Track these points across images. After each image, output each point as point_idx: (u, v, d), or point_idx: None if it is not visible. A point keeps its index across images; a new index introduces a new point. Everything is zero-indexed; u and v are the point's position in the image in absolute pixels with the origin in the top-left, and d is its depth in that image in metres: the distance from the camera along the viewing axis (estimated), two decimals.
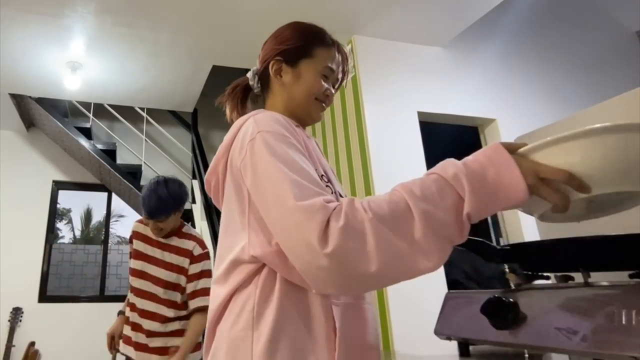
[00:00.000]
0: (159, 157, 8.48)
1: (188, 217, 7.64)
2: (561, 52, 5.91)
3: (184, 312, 3.21)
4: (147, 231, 3.29)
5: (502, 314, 1.25)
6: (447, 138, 4.83)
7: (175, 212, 3.18)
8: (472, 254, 1.41)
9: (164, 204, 3.09)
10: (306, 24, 1.63)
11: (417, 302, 3.79)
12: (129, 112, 8.37)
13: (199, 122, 8.28)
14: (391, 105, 4.72)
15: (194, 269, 3.20)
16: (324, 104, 1.58)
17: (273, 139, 1.26)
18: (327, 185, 1.31)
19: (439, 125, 4.97)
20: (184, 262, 3.20)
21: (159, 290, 3.17)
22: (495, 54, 5.53)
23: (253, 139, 1.27)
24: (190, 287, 3.18)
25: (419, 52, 5.17)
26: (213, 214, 6.58)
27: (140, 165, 8.03)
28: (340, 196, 1.41)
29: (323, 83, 1.56)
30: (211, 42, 5.32)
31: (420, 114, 4.79)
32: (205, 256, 3.27)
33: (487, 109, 5.11)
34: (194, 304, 3.15)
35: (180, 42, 5.35)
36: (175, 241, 3.26)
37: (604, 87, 5.67)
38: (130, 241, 3.35)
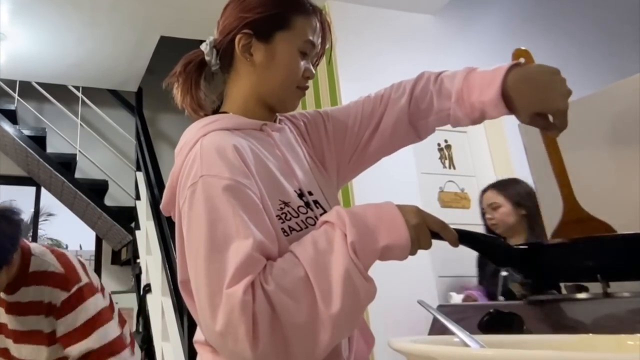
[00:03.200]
0: (96, 144, 8.38)
1: (131, 216, 7.59)
2: (572, 20, 5.91)
3: None
4: None
5: (504, 331, 1.25)
6: None
7: (11, 260, 2.48)
8: None
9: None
10: None
11: (400, 314, 3.80)
12: (61, 92, 8.23)
13: (144, 103, 8.19)
14: (372, 83, 4.67)
15: (65, 326, 2.51)
16: (304, 91, 1.56)
17: (216, 189, 1.25)
18: (301, 206, 1.41)
19: None
20: (39, 322, 2.54)
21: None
22: (495, 23, 5.53)
23: (195, 183, 1.27)
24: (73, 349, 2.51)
25: (405, 20, 5.16)
26: (161, 212, 6.52)
27: (75, 154, 7.94)
28: (324, 211, 1.46)
29: (302, 63, 1.52)
30: (159, 8, 5.25)
31: None
32: (79, 296, 2.53)
33: None
34: (74, 350, 2.49)
35: (122, 8, 5.27)
36: (26, 293, 2.53)
37: (623, 60, 5.68)
38: None
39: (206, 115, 1.53)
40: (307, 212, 1.41)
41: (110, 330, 2.56)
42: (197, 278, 1.19)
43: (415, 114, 1.69)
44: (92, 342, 2.48)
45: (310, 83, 1.59)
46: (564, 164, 1.61)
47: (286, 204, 1.38)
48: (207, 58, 1.56)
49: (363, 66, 4.73)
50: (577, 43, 5.78)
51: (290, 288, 1.14)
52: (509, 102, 1.50)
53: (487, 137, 4.94)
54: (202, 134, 1.36)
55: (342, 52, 4.68)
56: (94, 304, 2.54)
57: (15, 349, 2.59)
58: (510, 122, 4.98)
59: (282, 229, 1.33)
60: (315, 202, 1.48)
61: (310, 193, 1.48)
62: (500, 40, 5.44)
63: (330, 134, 1.71)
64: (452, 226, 1.28)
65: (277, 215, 1.34)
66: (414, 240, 1.22)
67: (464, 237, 1.30)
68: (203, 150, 1.32)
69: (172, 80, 1.58)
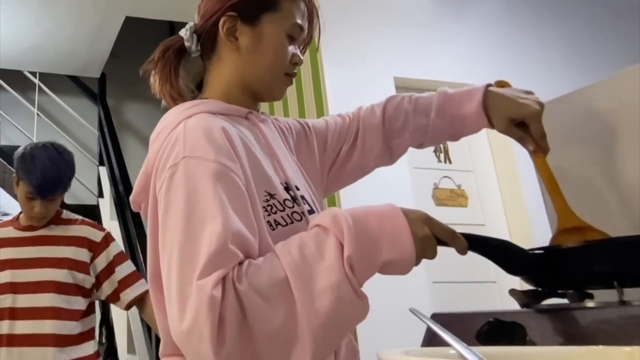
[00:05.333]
0: (55, 136, 8.30)
1: (94, 215, 7.55)
2: (583, 1, 5.94)
3: (89, 326, 3.08)
4: (9, 232, 3.08)
5: (504, 342, 1.24)
6: None
7: (68, 187, 3.07)
8: None
9: (63, 174, 2.96)
10: None
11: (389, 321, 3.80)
12: (16, 78, 8.18)
13: (107, 91, 8.19)
14: (360, 69, 4.70)
15: (101, 261, 3.06)
16: (292, 78, 1.58)
17: (198, 171, 1.25)
18: (287, 199, 1.41)
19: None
20: (79, 253, 3.03)
21: (48, 300, 2.92)
22: (497, 3, 5.54)
23: (175, 164, 1.27)
24: (107, 285, 3.06)
25: (399, 1, 5.16)
26: (126, 211, 6.46)
27: None
28: (311, 209, 1.48)
29: (290, 48, 1.54)
30: None
31: (397, 80, 4.76)
32: (110, 238, 3.14)
33: (486, 74, 5.06)
34: (127, 295, 3.04)
35: None
36: (58, 230, 3.08)
37: (637, 44, 5.69)
38: None
39: None
40: (293, 207, 1.42)
41: (132, 266, 3.17)
42: (169, 267, 1.18)
43: (390, 133, 1.85)
44: (121, 271, 3.08)
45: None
46: (554, 177, 1.67)
47: (272, 195, 1.39)
48: (187, 44, 1.57)
49: (349, 49, 4.71)
50: (588, 26, 5.79)
51: (266, 291, 1.12)
52: (487, 115, 1.75)
53: (486, 130, 4.93)
54: (186, 116, 1.37)
55: (326, 33, 4.65)
56: (118, 246, 3.18)
57: (34, 274, 2.96)
58: None
59: (268, 222, 1.34)
60: (302, 197, 1.49)
61: (297, 188, 1.49)
62: (504, 23, 5.44)
63: (312, 145, 1.77)
64: (455, 228, 1.28)
65: (262, 207, 1.34)
66: (419, 254, 1.21)
67: (474, 244, 1.30)
68: (187, 130, 1.32)
69: (150, 67, 1.58)
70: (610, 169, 1.81)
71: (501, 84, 1.93)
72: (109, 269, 3.05)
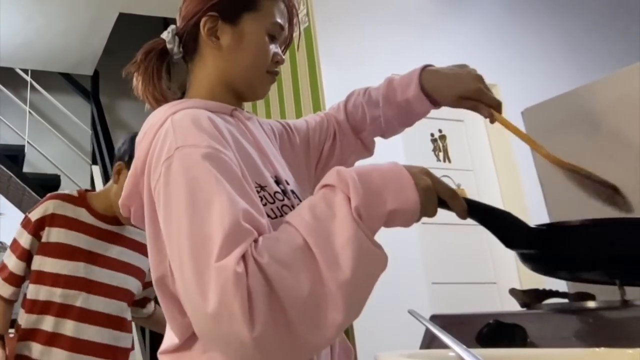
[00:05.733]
0: (47, 134, 8.33)
1: None
2: None
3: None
4: (82, 214, 2.83)
5: (504, 344, 1.24)
6: None
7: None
8: None
9: None
10: None
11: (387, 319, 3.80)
12: (7, 76, 8.15)
13: (100, 88, 8.18)
14: (358, 68, 4.69)
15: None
16: (275, 76, 1.60)
17: (195, 159, 1.25)
18: (277, 192, 1.42)
19: None
20: (143, 263, 2.91)
21: (118, 308, 2.83)
22: (497, 2, 5.53)
23: (170, 157, 1.27)
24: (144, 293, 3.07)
25: (397, 0, 5.16)
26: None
27: (23, 145, 7.90)
28: (299, 201, 1.48)
29: (271, 47, 1.57)
30: None
31: None
32: None
33: (486, 71, 5.06)
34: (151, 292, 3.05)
35: None
36: (137, 234, 2.93)
37: (639, 41, 5.69)
38: (39, 228, 2.77)
39: None
40: (283, 200, 1.43)
41: None
42: (180, 258, 1.17)
43: (354, 127, 1.93)
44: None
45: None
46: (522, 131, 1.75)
47: (262, 187, 1.40)
48: (169, 46, 1.60)
49: (347, 47, 4.71)
50: (589, 22, 5.79)
51: (287, 259, 1.13)
52: (430, 97, 1.79)
53: (486, 127, 4.92)
54: (171, 113, 1.38)
55: (324, 31, 4.66)
56: None
57: (112, 276, 2.81)
58: (511, 111, 4.96)
59: None
60: (292, 192, 1.51)
61: (287, 182, 1.51)
62: (503, 20, 5.44)
63: (294, 144, 1.81)
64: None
65: None
66: (423, 204, 1.22)
67: (475, 210, 1.30)
68: (175, 123, 1.33)
69: (132, 69, 1.61)
70: (611, 167, 1.81)
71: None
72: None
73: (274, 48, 1.57)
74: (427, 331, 1.46)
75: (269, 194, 1.41)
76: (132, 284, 2.87)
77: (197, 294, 1.11)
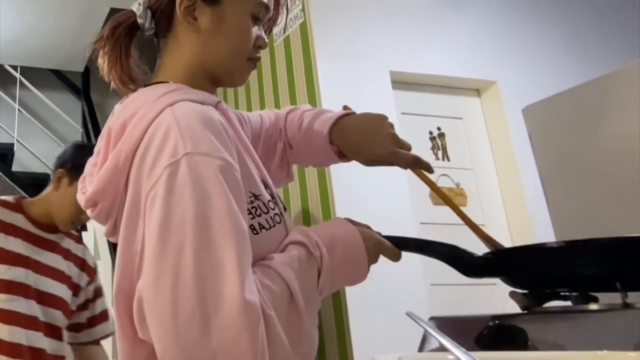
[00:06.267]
0: (37, 132, 8.33)
1: None
2: None
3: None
4: (19, 220, 2.80)
5: (505, 347, 1.24)
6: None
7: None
8: None
9: None
10: None
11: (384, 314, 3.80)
12: None
13: (91, 85, 8.17)
14: (355, 63, 4.68)
15: (89, 288, 3.00)
16: (255, 63, 1.51)
17: (207, 172, 1.15)
18: (270, 200, 1.38)
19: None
20: (77, 275, 2.93)
21: (55, 316, 2.79)
22: None
23: (176, 162, 1.15)
24: (85, 313, 3.01)
25: None
26: None
27: (12, 144, 7.90)
28: (281, 205, 1.47)
29: (254, 31, 1.48)
30: None
31: (393, 74, 4.75)
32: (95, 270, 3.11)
33: (486, 68, 5.09)
34: (97, 332, 3.05)
35: None
36: (65, 240, 2.92)
37: None
38: None
39: (137, 88, 1.46)
40: (274, 208, 1.37)
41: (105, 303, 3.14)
42: (174, 276, 1.06)
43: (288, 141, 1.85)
44: (99, 305, 3.09)
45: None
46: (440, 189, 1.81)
47: (257, 197, 1.33)
48: (139, 20, 1.48)
49: (343, 42, 4.70)
50: (594, 16, 5.77)
51: (283, 318, 1.17)
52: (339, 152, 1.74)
53: (485, 124, 4.90)
54: (167, 104, 1.27)
55: (320, 25, 4.65)
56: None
57: (50, 284, 2.80)
58: (512, 107, 4.97)
59: (252, 225, 1.27)
60: (276, 194, 1.47)
61: (271, 184, 1.46)
62: (504, 15, 5.42)
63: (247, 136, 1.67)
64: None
65: (247, 210, 1.25)
66: (370, 266, 1.42)
67: (421, 246, 1.41)
68: (180, 120, 1.22)
69: (98, 47, 1.51)
70: (613, 166, 1.81)
71: (346, 109, 1.89)
72: (94, 298, 3.04)
73: (256, 31, 1.48)
74: (426, 334, 1.46)
75: (263, 203, 1.34)
76: (65, 293, 2.84)
77: (196, 324, 1.02)
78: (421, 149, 4.73)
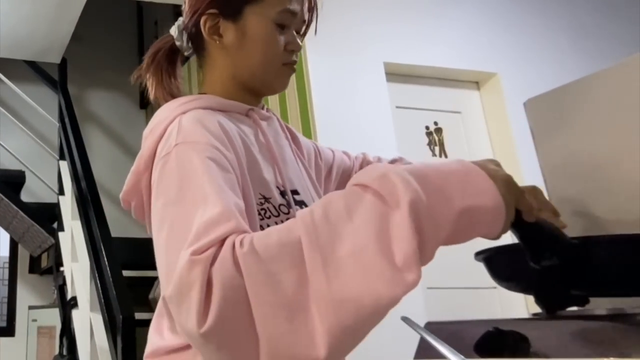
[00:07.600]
0: (11, 128, 8.27)
1: (53, 214, 7.51)
2: None
3: None
4: None
5: (505, 354, 1.24)
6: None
7: None
8: None
9: None
10: None
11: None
12: None
13: (69, 77, 8.13)
14: (347, 55, 4.68)
15: None
16: (293, 66, 1.60)
17: (190, 153, 1.29)
18: (282, 205, 1.45)
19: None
20: None
21: None
22: None
23: (168, 154, 1.32)
24: None
25: None
26: (89, 210, 6.37)
27: None
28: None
29: (280, 38, 1.55)
30: None
31: (388, 66, 4.75)
32: None
33: (486, 59, 5.10)
34: None
35: None
36: None
37: None
38: None
39: None
40: (288, 213, 1.45)
41: None
42: (157, 247, 1.23)
43: None
44: None
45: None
46: None
47: (267, 199, 1.43)
48: (177, 43, 1.63)
49: (335, 33, 4.69)
50: (598, 5, 5.79)
51: (270, 253, 1.06)
52: None
53: (485, 118, 4.91)
54: (181, 112, 1.41)
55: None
56: None
57: None
58: (513, 101, 4.97)
59: (261, 226, 1.36)
60: (302, 202, 1.52)
61: (295, 192, 1.53)
62: (502, 7, 5.44)
63: (319, 170, 1.84)
64: None
65: (257, 211, 1.38)
66: (506, 199, 1.14)
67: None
68: (182, 124, 1.37)
69: (142, 74, 1.64)
70: (616, 162, 1.81)
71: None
72: None
73: (286, 38, 1.56)
74: (422, 340, 1.46)
75: (274, 206, 1.43)
76: None
77: (165, 282, 1.13)
78: (417, 145, 4.73)
